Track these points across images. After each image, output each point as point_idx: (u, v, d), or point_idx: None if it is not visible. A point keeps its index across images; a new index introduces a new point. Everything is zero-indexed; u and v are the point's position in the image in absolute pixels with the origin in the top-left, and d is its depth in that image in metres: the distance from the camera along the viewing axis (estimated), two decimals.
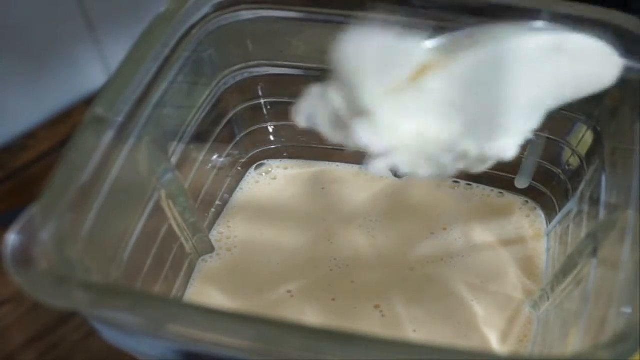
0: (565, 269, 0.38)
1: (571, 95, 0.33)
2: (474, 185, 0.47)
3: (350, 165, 0.49)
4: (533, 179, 0.45)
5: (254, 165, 0.49)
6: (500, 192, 0.47)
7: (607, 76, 0.34)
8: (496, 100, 0.31)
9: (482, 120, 0.31)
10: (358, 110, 0.30)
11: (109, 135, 0.33)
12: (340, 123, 0.31)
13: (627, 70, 0.34)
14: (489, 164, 0.33)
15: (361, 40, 0.29)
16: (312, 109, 0.31)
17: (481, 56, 0.31)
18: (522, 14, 0.36)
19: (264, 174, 0.48)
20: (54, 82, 0.58)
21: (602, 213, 0.36)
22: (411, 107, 0.30)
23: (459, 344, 0.39)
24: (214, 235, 0.45)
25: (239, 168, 0.48)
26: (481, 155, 0.32)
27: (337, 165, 0.49)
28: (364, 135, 0.30)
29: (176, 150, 0.40)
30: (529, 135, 0.33)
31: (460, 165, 0.32)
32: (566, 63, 0.32)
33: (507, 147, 0.32)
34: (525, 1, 0.36)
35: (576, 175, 0.42)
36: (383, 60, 0.30)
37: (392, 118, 0.30)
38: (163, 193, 0.39)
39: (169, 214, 0.40)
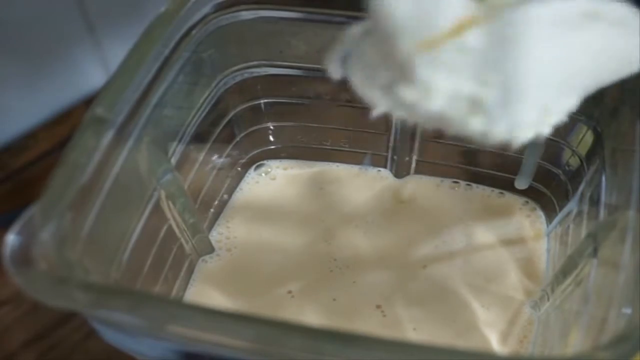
0: (566, 270, 0.38)
1: (609, 74, 0.31)
2: (474, 185, 0.47)
3: (350, 165, 0.49)
4: (533, 180, 0.45)
5: (254, 166, 0.49)
6: (501, 193, 0.47)
7: None
8: (532, 66, 0.29)
9: (517, 88, 0.29)
10: (393, 64, 0.28)
11: (109, 136, 0.33)
12: (374, 79, 0.29)
13: None
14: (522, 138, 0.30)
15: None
16: (348, 56, 0.29)
17: (520, 16, 0.28)
18: None
19: (263, 174, 0.48)
20: (54, 82, 0.58)
21: (602, 213, 0.36)
22: (449, 63, 0.28)
23: (459, 344, 0.39)
24: (213, 236, 0.45)
25: (239, 168, 0.48)
26: (512, 129, 0.29)
27: (337, 166, 0.49)
28: (399, 94, 0.28)
29: (176, 151, 0.40)
30: (564, 117, 0.30)
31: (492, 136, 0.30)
32: (603, 33, 0.30)
33: (540, 125, 0.30)
34: None
35: (576, 176, 0.42)
36: (421, 12, 0.28)
37: (428, 73, 0.28)
38: (163, 193, 0.39)
39: (169, 215, 0.40)
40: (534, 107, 0.30)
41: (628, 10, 0.30)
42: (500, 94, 0.29)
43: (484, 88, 0.29)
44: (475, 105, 0.29)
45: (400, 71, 0.28)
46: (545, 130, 0.30)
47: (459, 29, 0.28)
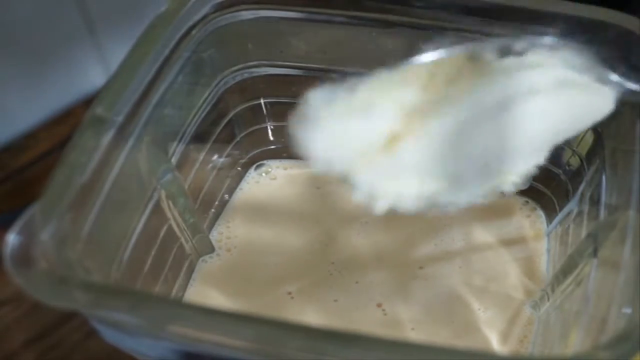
0: (566, 269, 0.38)
1: (569, 130, 0.33)
2: None
3: None
4: (533, 180, 0.45)
5: (254, 166, 0.49)
6: (501, 193, 0.47)
7: (600, 104, 0.33)
8: (480, 154, 0.31)
9: (470, 172, 0.31)
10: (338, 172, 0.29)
11: (109, 135, 0.33)
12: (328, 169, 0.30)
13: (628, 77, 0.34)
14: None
15: (322, 125, 0.29)
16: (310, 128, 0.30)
17: (449, 118, 0.30)
18: (521, 15, 0.36)
19: (263, 174, 0.48)
20: (54, 82, 0.58)
21: (602, 213, 0.36)
22: (389, 173, 0.30)
23: (459, 344, 0.39)
24: (214, 236, 0.45)
25: (239, 168, 0.48)
26: (470, 200, 0.31)
27: None
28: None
29: (176, 151, 0.40)
30: (532, 171, 0.32)
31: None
32: (551, 101, 0.31)
33: (505, 186, 0.32)
34: (526, 1, 0.36)
35: (576, 176, 0.42)
36: (349, 141, 0.29)
37: (369, 184, 0.30)
38: (163, 193, 0.39)
39: (169, 215, 0.40)
40: (489, 179, 0.32)
41: (566, 73, 0.32)
42: (448, 183, 0.31)
43: (431, 184, 0.31)
44: (425, 198, 0.31)
45: (344, 180, 0.30)
46: (510, 188, 0.32)
47: (393, 141, 0.30)
